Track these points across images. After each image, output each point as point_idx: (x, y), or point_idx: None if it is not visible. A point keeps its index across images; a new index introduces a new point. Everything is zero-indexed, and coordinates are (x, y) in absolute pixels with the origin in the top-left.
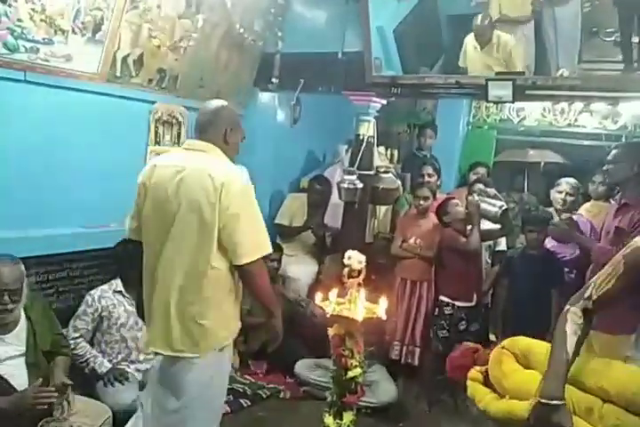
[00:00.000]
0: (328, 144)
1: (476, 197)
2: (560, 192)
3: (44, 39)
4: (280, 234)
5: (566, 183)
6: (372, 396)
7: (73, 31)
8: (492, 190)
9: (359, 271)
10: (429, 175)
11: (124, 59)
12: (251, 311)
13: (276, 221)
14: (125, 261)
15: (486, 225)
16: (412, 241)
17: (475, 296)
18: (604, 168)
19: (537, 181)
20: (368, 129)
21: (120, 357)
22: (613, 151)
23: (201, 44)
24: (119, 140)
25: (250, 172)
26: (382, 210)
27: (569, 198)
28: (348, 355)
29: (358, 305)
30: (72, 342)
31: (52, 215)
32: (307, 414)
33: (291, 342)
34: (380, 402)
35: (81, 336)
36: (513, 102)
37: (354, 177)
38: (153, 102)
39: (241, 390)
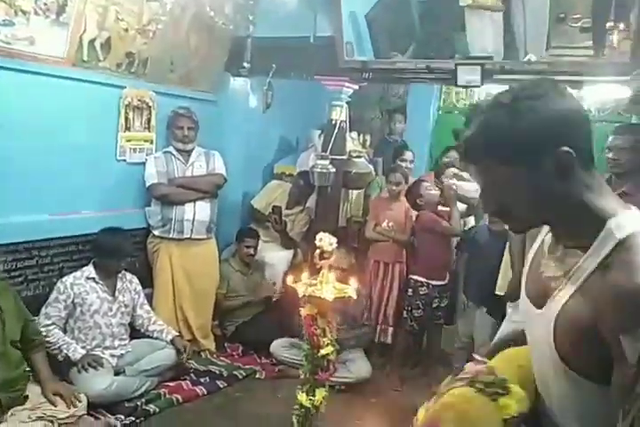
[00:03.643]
0: (301, 129)
1: (451, 181)
2: None
3: (3, 20)
4: (254, 218)
5: None
6: (347, 373)
7: (35, 12)
8: (465, 174)
9: (330, 253)
10: (411, 162)
11: (91, 42)
12: (225, 295)
13: (252, 202)
14: (106, 250)
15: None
16: (384, 225)
17: (447, 274)
18: (609, 156)
19: None
20: (340, 114)
21: (94, 343)
22: (617, 137)
23: (170, 28)
24: (88, 125)
25: (223, 157)
26: (354, 194)
27: None
28: (319, 334)
29: (329, 285)
30: (44, 329)
31: (19, 202)
32: (282, 393)
33: (265, 324)
34: (355, 378)
35: (53, 324)
36: (480, 86)
37: (326, 162)
38: (122, 87)
39: (217, 372)
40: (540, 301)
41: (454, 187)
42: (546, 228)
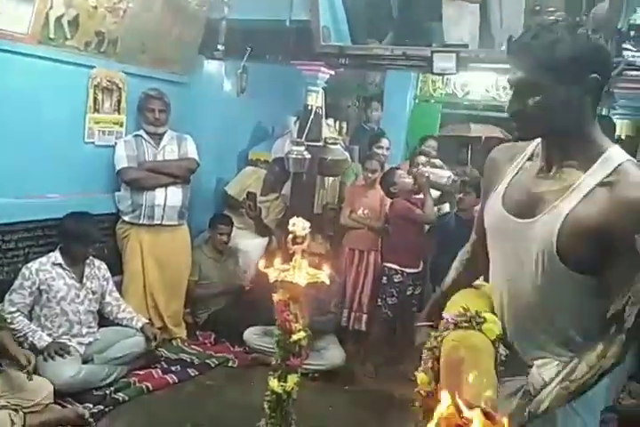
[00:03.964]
0: (277, 115)
1: (424, 169)
2: None
3: None
4: (228, 205)
5: None
6: (321, 360)
7: None
8: (437, 161)
9: (303, 238)
10: (387, 149)
11: (58, 19)
12: (197, 283)
13: (226, 188)
14: (72, 235)
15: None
16: (360, 212)
17: (421, 262)
18: None
19: (480, 155)
20: (316, 99)
21: (61, 330)
22: None
23: (141, 7)
24: (55, 106)
25: (195, 142)
26: (330, 182)
27: None
28: (292, 319)
29: (302, 271)
30: (8, 316)
31: None
32: (254, 381)
33: (238, 312)
34: (328, 365)
35: (18, 311)
36: (455, 74)
37: (302, 148)
38: (91, 67)
39: (188, 360)
40: (526, 212)
41: (426, 174)
42: (518, 159)
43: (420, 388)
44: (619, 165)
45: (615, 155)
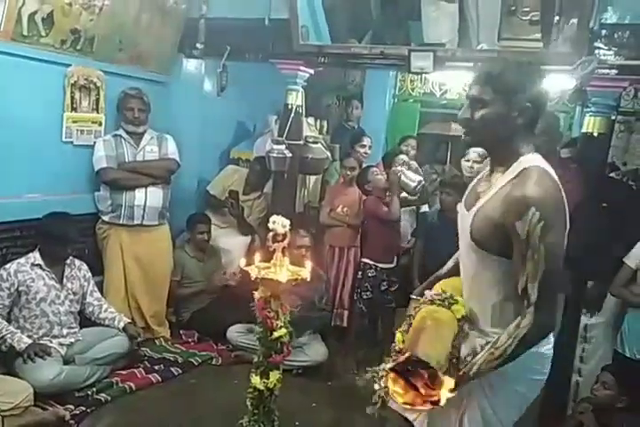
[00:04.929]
0: (258, 114)
1: (399, 168)
2: (468, 160)
3: None
4: (210, 204)
5: (473, 152)
6: (303, 356)
7: None
8: (413, 163)
9: (283, 235)
10: (369, 147)
11: (31, 16)
12: (180, 282)
13: (208, 188)
14: (51, 236)
15: (404, 193)
16: (339, 210)
17: (395, 258)
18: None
19: (459, 154)
20: (296, 98)
21: (41, 332)
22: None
23: (118, 4)
24: (30, 105)
25: (176, 142)
26: (312, 180)
27: (476, 166)
28: (273, 316)
29: (283, 268)
30: None
31: None
32: (238, 378)
33: (221, 310)
34: (311, 361)
35: None
36: (431, 72)
37: (282, 147)
38: (67, 65)
39: (172, 359)
40: (470, 207)
41: (399, 173)
42: (480, 173)
43: (395, 344)
44: (524, 169)
45: (525, 161)
